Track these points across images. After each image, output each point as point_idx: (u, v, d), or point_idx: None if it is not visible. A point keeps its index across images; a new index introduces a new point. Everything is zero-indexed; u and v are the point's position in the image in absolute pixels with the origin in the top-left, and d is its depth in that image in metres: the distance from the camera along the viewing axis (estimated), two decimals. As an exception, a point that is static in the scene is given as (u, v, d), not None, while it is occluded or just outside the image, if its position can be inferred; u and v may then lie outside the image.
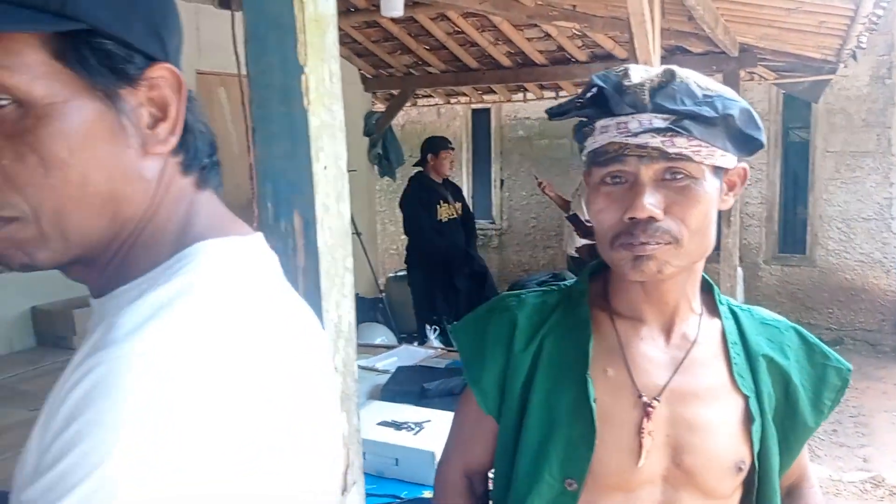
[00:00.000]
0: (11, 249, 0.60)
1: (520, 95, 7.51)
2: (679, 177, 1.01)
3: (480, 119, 9.17)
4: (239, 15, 1.04)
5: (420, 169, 5.79)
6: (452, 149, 5.89)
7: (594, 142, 1.06)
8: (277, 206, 0.99)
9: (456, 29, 6.17)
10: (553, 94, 7.27)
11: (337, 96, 0.99)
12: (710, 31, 4.34)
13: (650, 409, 1.08)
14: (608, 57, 6.11)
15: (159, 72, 0.63)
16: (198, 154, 0.68)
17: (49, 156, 0.57)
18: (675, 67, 1.05)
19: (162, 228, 0.65)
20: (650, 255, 1.01)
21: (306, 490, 0.62)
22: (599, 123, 1.05)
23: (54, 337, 4.90)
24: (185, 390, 0.53)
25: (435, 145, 5.75)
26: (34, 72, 0.57)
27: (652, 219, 1.00)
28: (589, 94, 1.05)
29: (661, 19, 3.38)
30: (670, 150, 1.00)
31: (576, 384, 1.09)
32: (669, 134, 1.00)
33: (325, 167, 0.98)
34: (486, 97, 7.73)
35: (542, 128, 8.66)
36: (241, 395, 0.57)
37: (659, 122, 1.00)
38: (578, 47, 6.18)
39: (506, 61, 6.60)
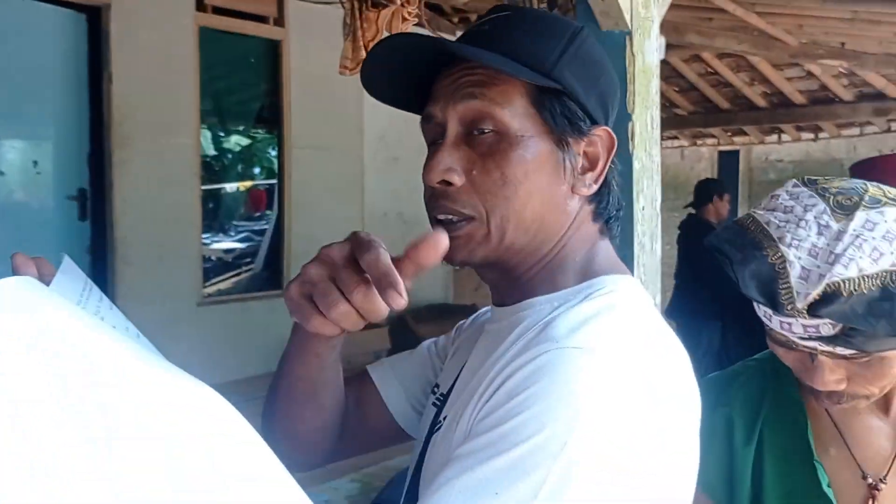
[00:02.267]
0: (461, 245, 0.76)
1: (774, 137, 7.20)
2: (863, 360, 0.93)
3: (727, 161, 8.84)
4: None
5: (692, 212, 5.24)
6: None
7: (766, 315, 0.98)
8: (597, 243, 1.07)
9: (709, 70, 6.07)
10: (812, 135, 6.92)
11: (656, 141, 1.06)
12: None
13: (876, 491, 1.02)
14: (879, 96, 5.69)
15: (600, 132, 0.79)
16: (608, 207, 0.82)
17: (509, 173, 0.74)
18: (842, 273, 0.88)
19: (570, 259, 0.79)
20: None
21: (687, 495, 0.70)
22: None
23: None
24: (617, 379, 0.65)
25: (721, 187, 5.28)
26: (517, 111, 0.75)
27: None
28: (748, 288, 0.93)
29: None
30: (843, 353, 0.93)
31: (803, 471, 1.04)
32: (840, 343, 0.91)
33: (643, 207, 1.04)
34: (735, 139, 7.50)
35: (796, 171, 8.16)
36: (660, 391, 0.67)
37: (827, 328, 0.91)
38: (844, 86, 5.84)
39: (761, 102, 6.38)
